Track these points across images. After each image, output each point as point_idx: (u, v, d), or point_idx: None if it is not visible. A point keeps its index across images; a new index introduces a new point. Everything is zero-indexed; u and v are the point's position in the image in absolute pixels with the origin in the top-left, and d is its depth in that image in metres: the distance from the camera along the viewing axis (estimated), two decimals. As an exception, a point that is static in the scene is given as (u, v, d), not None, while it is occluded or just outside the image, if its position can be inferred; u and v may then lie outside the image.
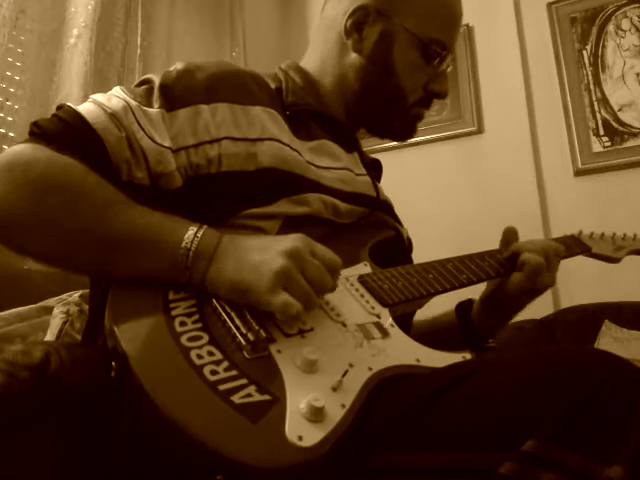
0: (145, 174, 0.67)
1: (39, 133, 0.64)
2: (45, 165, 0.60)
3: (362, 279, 0.71)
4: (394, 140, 0.94)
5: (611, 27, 2.16)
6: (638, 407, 0.43)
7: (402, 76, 0.85)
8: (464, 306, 0.92)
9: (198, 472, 0.46)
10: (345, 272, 0.71)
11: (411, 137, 0.92)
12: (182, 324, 0.55)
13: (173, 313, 0.56)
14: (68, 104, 0.68)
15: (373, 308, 0.67)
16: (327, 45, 0.89)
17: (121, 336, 0.52)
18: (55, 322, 1.00)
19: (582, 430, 0.43)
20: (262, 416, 0.48)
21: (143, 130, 0.66)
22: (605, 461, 0.41)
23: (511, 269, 0.82)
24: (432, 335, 0.89)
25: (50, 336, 0.98)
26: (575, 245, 0.99)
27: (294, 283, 0.56)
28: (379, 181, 0.99)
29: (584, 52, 2.18)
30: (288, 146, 0.75)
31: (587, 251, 1.00)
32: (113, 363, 0.51)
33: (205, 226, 0.60)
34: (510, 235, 0.89)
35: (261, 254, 0.58)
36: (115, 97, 0.69)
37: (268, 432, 0.47)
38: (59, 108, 0.68)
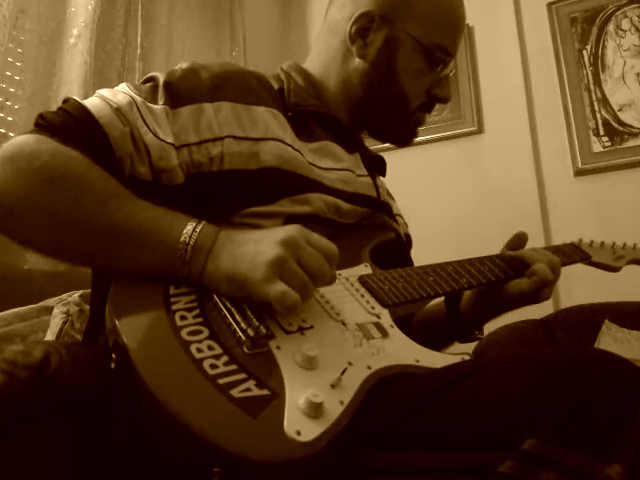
0: (147, 169, 0.67)
1: (44, 125, 0.65)
2: (48, 156, 0.60)
3: (362, 279, 0.71)
4: (395, 145, 0.95)
5: (611, 27, 2.16)
6: (638, 406, 0.43)
7: (406, 82, 0.85)
8: (453, 297, 0.92)
9: (196, 464, 0.46)
10: (345, 273, 0.71)
11: (411, 142, 0.93)
12: (182, 318, 0.55)
13: (174, 307, 0.56)
14: (74, 98, 0.69)
15: (373, 308, 0.67)
16: (331, 49, 0.89)
17: (122, 329, 0.52)
18: (55, 322, 1.00)
19: (582, 429, 0.43)
20: (261, 410, 0.48)
21: (147, 126, 0.67)
22: (605, 460, 0.41)
23: (513, 275, 0.83)
24: (421, 324, 0.91)
25: (50, 336, 0.98)
26: (575, 253, 0.99)
27: (291, 272, 0.56)
28: (384, 175, 0.99)
29: (584, 52, 2.18)
30: (290, 146, 0.75)
31: (587, 259, 1.01)
32: (113, 355, 0.51)
33: (204, 221, 0.60)
34: (520, 240, 0.90)
35: (256, 246, 0.58)
36: (121, 93, 0.69)
37: (267, 426, 0.47)
38: (65, 101, 0.69)
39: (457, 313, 0.90)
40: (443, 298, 0.93)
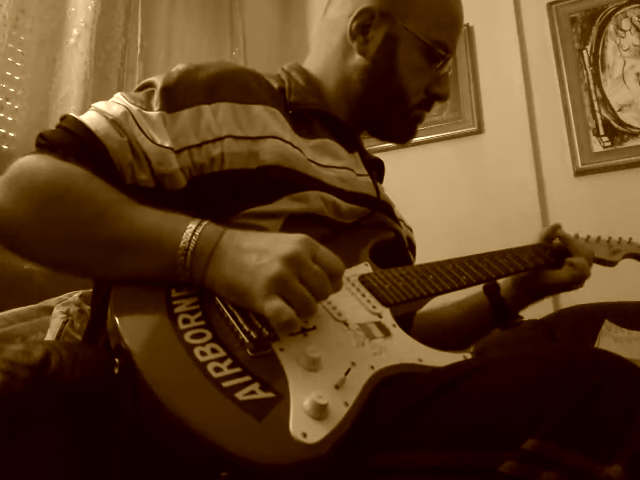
0: (149, 176, 0.67)
1: (44, 144, 0.66)
2: (49, 173, 0.62)
3: (363, 279, 0.71)
4: (394, 142, 0.95)
5: (611, 27, 2.16)
6: (638, 406, 0.43)
7: (405, 78, 0.86)
8: (491, 288, 0.97)
9: (202, 469, 0.46)
10: (346, 272, 0.71)
11: (410, 139, 0.93)
12: (185, 321, 0.55)
13: (176, 310, 0.56)
14: (71, 114, 0.70)
15: (374, 308, 0.67)
16: (331, 47, 0.90)
17: (124, 333, 0.52)
18: (55, 322, 1.00)
19: (582, 429, 0.43)
20: (266, 413, 0.48)
21: (144, 133, 0.67)
22: (605, 460, 0.41)
23: (514, 271, 0.87)
24: (461, 314, 0.99)
25: (50, 336, 0.98)
26: None
27: (290, 290, 0.55)
28: (381, 181, 0.99)
29: (584, 52, 2.18)
30: (290, 144, 0.75)
31: None
32: (117, 360, 0.51)
33: (205, 223, 0.60)
34: (553, 231, 0.99)
35: (259, 257, 0.57)
36: (116, 104, 0.70)
37: (273, 429, 0.47)
38: (62, 119, 0.70)
39: (500, 301, 0.96)
40: (481, 288, 0.98)
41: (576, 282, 0.93)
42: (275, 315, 0.54)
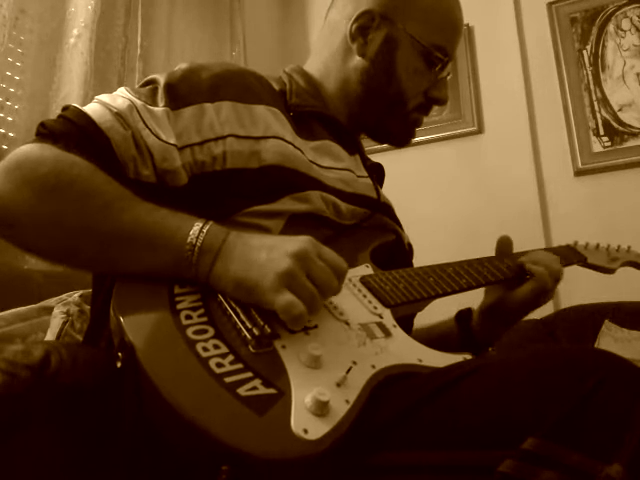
0: (151, 171, 0.67)
1: (46, 133, 0.65)
2: (52, 163, 0.61)
3: (364, 280, 0.71)
4: (392, 145, 0.95)
5: (611, 27, 2.16)
6: (638, 406, 0.43)
7: (404, 81, 0.86)
8: (463, 314, 0.92)
9: (203, 463, 0.46)
10: (347, 273, 0.71)
11: (409, 143, 0.93)
12: (188, 317, 0.55)
13: (179, 307, 0.56)
14: (74, 105, 0.69)
15: (375, 308, 0.67)
16: (331, 49, 0.90)
17: (127, 328, 0.52)
18: (55, 322, 1.00)
19: (582, 428, 0.43)
20: (268, 409, 0.48)
21: (148, 128, 0.67)
22: (605, 459, 0.41)
23: (512, 277, 0.83)
24: (431, 342, 0.90)
25: (50, 336, 0.98)
26: (571, 255, 1.00)
27: (299, 284, 0.56)
28: (381, 185, 1.00)
29: (584, 52, 2.18)
30: (291, 144, 0.75)
31: (582, 261, 1.02)
32: (119, 354, 0.51)
33: (211, 222, 0.60)
34: (504, 245, 0.89)
35: (268, 253, 0.58)
36: (120, 97, 0.70)
37: (274, 424, 0.47)
38: (65, 109, 0.69)
39: (469, 331, 0.90)
40: (453, 316, 0.93)
41: (538, 295, 0.81)
42: (287, 309, 0.54)
